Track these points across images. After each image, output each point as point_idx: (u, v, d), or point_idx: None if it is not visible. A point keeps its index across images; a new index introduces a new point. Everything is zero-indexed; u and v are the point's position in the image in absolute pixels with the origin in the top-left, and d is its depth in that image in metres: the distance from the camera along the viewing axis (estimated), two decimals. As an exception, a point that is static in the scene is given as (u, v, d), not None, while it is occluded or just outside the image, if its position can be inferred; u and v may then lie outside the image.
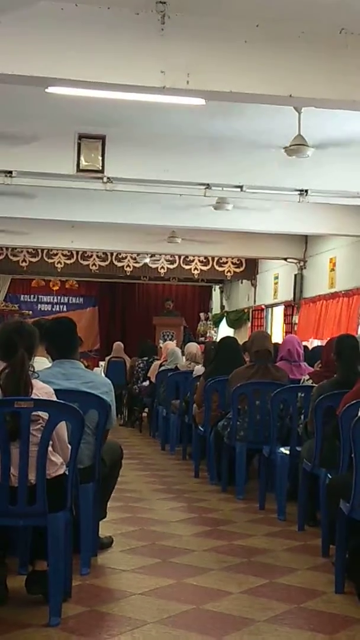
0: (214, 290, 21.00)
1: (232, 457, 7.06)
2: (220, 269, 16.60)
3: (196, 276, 16.85)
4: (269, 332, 14.52)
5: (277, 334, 15.11)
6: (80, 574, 4.43)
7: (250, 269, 16.96)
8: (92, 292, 21.36)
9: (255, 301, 17.21)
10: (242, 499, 6.83)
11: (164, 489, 7.37)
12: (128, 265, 16.48)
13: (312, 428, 5.49)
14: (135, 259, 16.38)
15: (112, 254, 16.18)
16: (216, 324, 19.77)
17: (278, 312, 16.12)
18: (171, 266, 16.63)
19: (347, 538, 4.32)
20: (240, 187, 8.88)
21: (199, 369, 9.11)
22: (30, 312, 18.69)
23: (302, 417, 6.15)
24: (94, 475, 4.65)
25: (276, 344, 8.21)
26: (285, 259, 14.83)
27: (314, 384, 5.97)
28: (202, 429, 8.00)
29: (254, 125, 7.79)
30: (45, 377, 4.33)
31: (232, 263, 16.63)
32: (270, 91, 5.48)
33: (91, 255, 16.25)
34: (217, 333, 18.90)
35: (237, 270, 16.77)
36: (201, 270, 16.56)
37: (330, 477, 4.91)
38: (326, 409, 5.28)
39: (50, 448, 3.84)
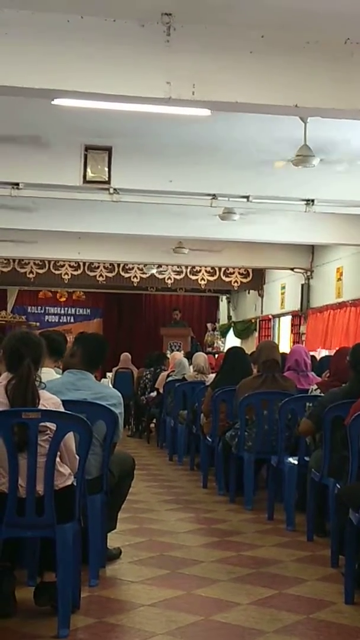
0: (221, 300, 20.99)
1: (240, 468, 7.04)
2: (227, 279, 16.59)
3: (203, 286, 16.85)
4: (276, 342, 14.51)
5: (284, 344, 15.09)
6: (88, 585, 4.43)
7: (257, 279, 16.96)
8: (99, 303, 21.36)
9: (262, 311, 17.20)
10: (251, 509, 6.82)
11: (172, 499, 7.36)
12: (135, 276, 16.49)
13: (319, 437, 5.47)
14: (142, 269, 16.39)
15: (119, 265, 16.21)
16: (223, 334, 19.75)
17: (285, 322, 16.10)
18: (178, 277, 16.63)
19: (357, 548, 4.31)
20: (247, 197, 8.89)
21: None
22: (38, 323, 18.69)
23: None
24: (102, 486, 4.65)
25: (283, 354, 8.20)
26: (292, 269, 14.83)
27: (322, 394, 5.96)
28: (210, 439, 7.99)
29: (260, 136, 7.80)
30: (55, 387, 4.34)
31: (239, 273, 16.62)
32: (276, 101, 5.48)
33: (98, 267, 16.28)
34: (225, 343, 18.88)
35: (244, 280, 16.77)
36: (208, 280, 16.56)
37: (339, 487, 4.89)
38: (334, 419, 5.27)
39: (58, 459, 3.84)
